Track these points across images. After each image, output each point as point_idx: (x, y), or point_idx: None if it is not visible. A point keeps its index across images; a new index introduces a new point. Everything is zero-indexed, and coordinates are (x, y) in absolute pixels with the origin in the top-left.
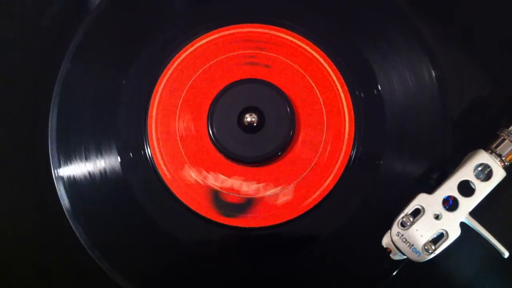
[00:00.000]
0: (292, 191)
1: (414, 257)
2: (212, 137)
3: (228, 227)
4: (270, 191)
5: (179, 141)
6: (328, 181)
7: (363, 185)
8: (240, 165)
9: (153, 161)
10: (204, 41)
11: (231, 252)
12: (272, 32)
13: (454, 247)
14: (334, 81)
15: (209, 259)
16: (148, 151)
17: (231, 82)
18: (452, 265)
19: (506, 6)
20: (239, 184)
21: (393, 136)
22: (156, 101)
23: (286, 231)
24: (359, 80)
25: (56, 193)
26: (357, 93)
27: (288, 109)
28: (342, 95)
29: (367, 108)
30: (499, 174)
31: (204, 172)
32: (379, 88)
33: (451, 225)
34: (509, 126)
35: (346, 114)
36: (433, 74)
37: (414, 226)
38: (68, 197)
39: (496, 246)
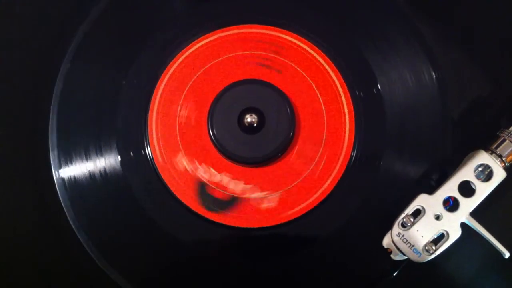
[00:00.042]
0: (277, 198)
1: (414, 257)
2: (212, 137)
3: (228, 227)
4: (255, 194)
5: (177, 129)
6: (328, 181)
7: (363, 185)
8: (233, 163)
9: (153, 160)
10: (205, 41)
11: (231, 252)
12: (271, 32)
13: (454, 247)
14: (334, 81)
15: (209, 259)
16: (149, 151)
17: (231, 83)
18: (452, 265)
19: (506, 6)
20: (227, 181)
21: (393, 136)
22: (157, 101)
23: (286, 231)
24: (359, 80)
25: (56, 193)
26: (357, 93)
27: (288, 110)
28: (342, 95)
29: (367, 108)
30: (499, 175)
31: (196, 163)
32: (379, 88)
33: (452, 226)
34: (509, 127)
35: (347, 114)
36: (433, 74)
37: (415, 227)
38: (68, 197)
39: (497, 247)
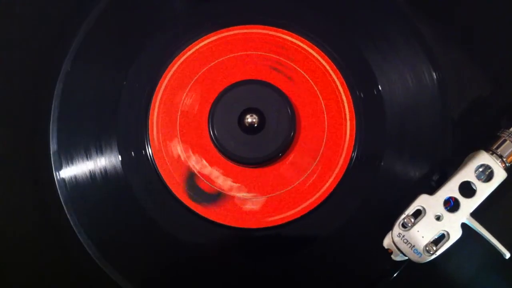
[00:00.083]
0: (261, 202)
1: (415, 258)
2: (213, 137)
3: (228, 227)
4: (241, 194)
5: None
6: (329, 182)
7: (363, 185)
8: (227, 160)
9: (154, 160)
10: (205, 42)
11: (231, 252)
12: (271, 32)
13: (455, 247)
14: (334, 81)
15: (210, 259)
16: (149, 151)
17: (232, 83)
18: (452, 265)
19: (506, 6)
20: (217, 175)
21: (393, 136)
22: (158, 101)
23: (286, 231)
24: (359, 80)
25: (57, 193)
26: (357, 93)
27: (288, 110)
28: (343, 95)
29: (368, 108)
30: (500, 175)
31: (190, 152)
32: (379, 88)
33: (452, 226)
34: (510, 127)
35: (347, 115)
36: (433, 74)
37: (415, 227)
38: (68, 197)
39: (497, 247)
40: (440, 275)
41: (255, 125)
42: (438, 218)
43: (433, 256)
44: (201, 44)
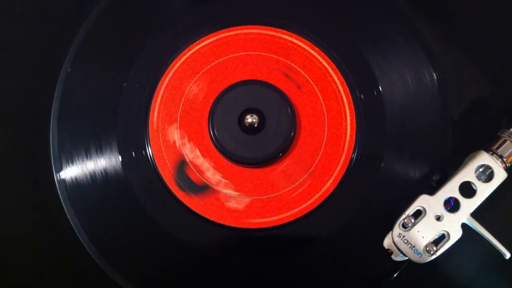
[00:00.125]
0: (245, 203)
1: (415, 258)
2: (213, 137)
3: (227, 227)
4: (228, 191)
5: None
6: (329, 182)
7: (363, 185)
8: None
9: (154, 160)
10: (206, 42)
11: (231, 252)
12: (271, 33)
13: (455, 248)
14: (334, 81)
15: (209, 259)
16: (149, 151)
17: (232, 83)
18: (452, 265)
19: (506, 6)
20: (207, 167)
21: (394, 136)
22: (158, 101)
23: (286, 231)
24: (359, 80)
25: (56, 193)
26: (357, 93)
27: (288, 110)
28: (343, 95)
29: (368, 108)
30: (500, 175)
31: (186, 139)
32: (380, 89)
33: (453, 226)
34: (510, 127)
35: (348, 115)
36: (433, 74)
37: (416, 227)
38: (68, 197)
39: (498, 247)
40: (440, 275)
41: (255, 125)
42: (438, 218)
43: (434, 256)
44: (201, 45)
